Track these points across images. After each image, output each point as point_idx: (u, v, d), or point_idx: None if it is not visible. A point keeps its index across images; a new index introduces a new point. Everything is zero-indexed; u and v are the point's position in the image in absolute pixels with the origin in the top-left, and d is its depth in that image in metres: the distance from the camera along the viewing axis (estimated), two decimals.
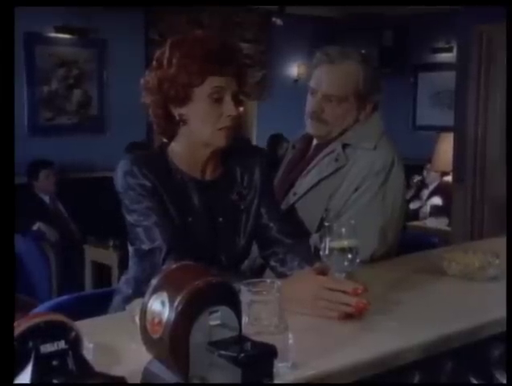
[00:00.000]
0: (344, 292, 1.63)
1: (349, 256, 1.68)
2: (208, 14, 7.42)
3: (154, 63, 1.90)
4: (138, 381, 1.24)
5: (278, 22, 7.63)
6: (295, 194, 2.38)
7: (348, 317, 1.62)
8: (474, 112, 5.19)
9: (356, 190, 2.29)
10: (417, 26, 7.95)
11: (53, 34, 6.62)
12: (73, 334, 1.07)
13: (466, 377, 1.66)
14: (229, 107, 1.86)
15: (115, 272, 5.06)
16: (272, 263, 2.09)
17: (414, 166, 5.79)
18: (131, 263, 2.05)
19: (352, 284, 1.64)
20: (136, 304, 1.47)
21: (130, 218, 1.88)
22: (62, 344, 1.04)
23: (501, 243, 2.22)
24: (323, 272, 1.72)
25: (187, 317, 1.14)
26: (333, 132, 2.40)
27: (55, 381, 1.02)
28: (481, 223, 5.20)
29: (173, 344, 1.14)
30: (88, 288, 5.34)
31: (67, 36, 6.70)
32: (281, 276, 1.98)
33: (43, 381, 1.03)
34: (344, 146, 2.36)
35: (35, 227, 5.43)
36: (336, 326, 1.61)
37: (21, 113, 6.32)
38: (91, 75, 6.90)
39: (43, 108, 6.63)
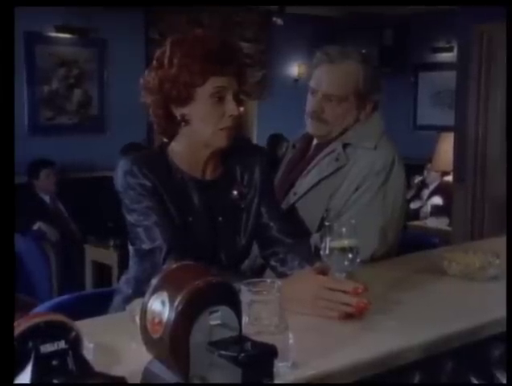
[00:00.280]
0: (344, 292, 1.63)
1: (350, 255, 1.68)
2: (208, 14, 7.42)
3: (154, 62, 1.90)
4: (138, 381, 1.23)
5: (279, 21, 7.63)
6: (295, 193, 2.38)
7: (348, 317, 1.62)
8: (475, 111, 5.19)
9: (356, 189, 2.29)
10: (417, 26, 7.95)
11: (53, 34, 6.63)
12: (73, 334, 1.07)
13: (466, 377, 1.65)
14: (230, 107, 1.86)
15: (115, 271, 5.05)
16: (272, 263, 2.08)
17: (415, 166, 5.79)
18: (131, 263, 2.05)
19: (352, 284, 1.64)
20: (136, 304, 1.47)
21: (131, 218, 1.88)
22: (62, 344, 1.04)
23: (501, 243, 2.22)
24: (323, 271, 1.72)
25: (187, 317, 1.14)
26: (333, 131, 2.39)
27: (55, 381, 1.02)
28: (481, 223, 5.20)
29: (173, 344, 1.14)
30: (89, 288, 5.33)
31: (67, 36, 6.70)
32: (281, 276, 1.98)
33: (43, 381, 1.03)
34: (345, 146, 2.36)
35: (35, 227, 5.43)
36: (336, 325, 1.61)
37: (21, 113, 6.33)
38: (91, 74, 6.91)
39: (44, 108, 6.63)
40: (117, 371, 1.25)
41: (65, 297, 2.11)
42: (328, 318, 1.62)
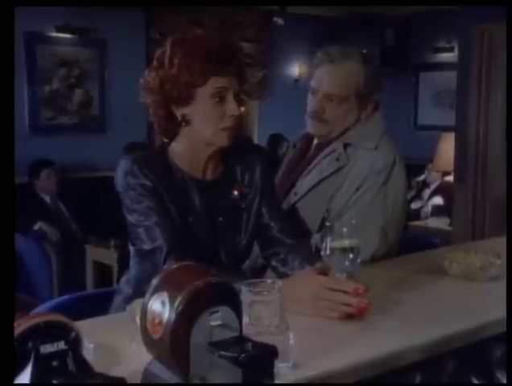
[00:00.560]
0: (345, 292, 1.63)
1: (350, 256, 1.68)
2: (209, 14, 7.41)
3: (154, 62, 1.89)
4: (138, 382, 1.23)
5: (279, 21, 7.62)
6: (295, 193, 2.38)
7: (349, 317, 1.62)
8: (475, 111, 5.18)
9: (357, 189, 2.29)
10: (418, 26, 7.94)
11: (54, 34, 6.62)
12: (73, 334, 1.07)
13: (467, 377, 1.65)
14: (231, 107, 1.86)
15: (116, 272, 5.05)
16: (273, 263, 2.08)
17: (416, 166, 5.79)
18: (132, 263, 2.04)
19: (353, 284, 1.63)
20: (136, 304, 1.47)
21: (131, 218, 1.88)
22: (62, 345, 1.04)
23: (502, 243, 2.22)
24: (324, 272, 1.71)
25: (187, 317, 1.14)
26: (334, 131, 2.39)
27: (54, 382, 1.02)
28: (482, 223, 5.19)
29: (173, 344, 1.14)
30: (90, 288, 5.33)
31: (68, 36, 6.70)
32: (282, 276, 1.98)
33: (42, 382, 1.02)
34: (346, 146, 2.36)
35: (36, 227, 5.43)
36: (337, 326, 1.61)
37: (22, 113, 6.33)
38: (92, 74, 6.90)
39: (44, 108, 6.63)
40: (117, 371, 1.25)
41: (66, 297, 2.10)
42: (328, 319, 1.62)
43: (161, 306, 1.18)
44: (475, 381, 1.66)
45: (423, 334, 1.57)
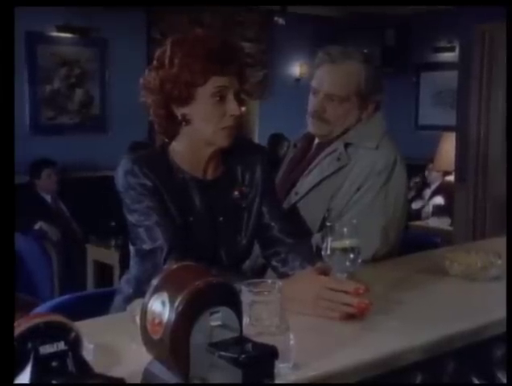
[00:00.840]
0: (345, 292, 1.62)
1: (351, 256, 1.68)
2: (210, 14, 7.41)
3: (154, 62, 1.89)
4: (138, 382, 1.23)
5: (280, 21, 7.62)
6: (296, 193, 2.38)
7: (349, 317, 1.62)
8: (476, 111, 5.17)
9: (358, 189, 2.28)
10: (419, 26, 7.94)
11: (55, 34, 6.62)
12: (73, 334, 1.07)
13: (468, 377, 1.65)
14: (232, 106, 1.85)
15: (117, 271, 5.06)
16: (274, 263, 2.08)
17: (417, 166, 5.78)
18: (132, 263, 2.04)
19: (353, 284, 1.63)
20: (137, 304, 1.47)
21: (131, 218, 1.88)
22: (61, 345, 1.04)
23: (503, 243, 2.22)
24: (324, 272, 1.71)
25: (187, 317, 1.14)
26: (335, 131, 2.39)
27: (54, 382, 1.02)
28: (483, 223, 5.18)
29: (173, 345, 1.14)
30: (90, 287, 5.34)
31: (68, 35, 6.70)
32: (283, 276, 1.97)
33: (42, 382, 1.02)
34: (346, 146, 2.36)
35: (36, 227, 5.42)
36: (337, 326, 1.60)
37: (23, 113, 6.33)
38: (93, 74, 6.90)
39: (45, 108, 6.63)
40: (117, 371, 1.25)
41: (66, 296, 2.10)
42: (329, 319, 1.62)
43: (161, 306, 1.18)
44: (476, 381, 1.66)
45: (423, 334, 1.56)
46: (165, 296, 1.18)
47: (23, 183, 5.45)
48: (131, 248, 2.01)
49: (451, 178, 5.76)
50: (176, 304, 1.14)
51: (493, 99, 5.10)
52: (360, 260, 1.70)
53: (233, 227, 1.99)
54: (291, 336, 1.33)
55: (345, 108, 2.37)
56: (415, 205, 6.04)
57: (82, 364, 1.06)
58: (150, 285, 1.24)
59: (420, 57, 8.16)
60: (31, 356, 1.01)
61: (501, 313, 1.69)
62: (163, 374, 1.18)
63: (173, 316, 1.14)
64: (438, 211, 5.60)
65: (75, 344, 1.06)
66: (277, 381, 1.17)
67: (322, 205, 2.31)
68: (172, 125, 1.91)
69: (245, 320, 1.25)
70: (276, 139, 7.08)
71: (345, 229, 1.69)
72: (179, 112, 1.88)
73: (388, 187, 2.29)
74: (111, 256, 5.22)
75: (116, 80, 6.89)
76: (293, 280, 1.76)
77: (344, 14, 8.11)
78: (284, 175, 2.50)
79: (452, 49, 7.62)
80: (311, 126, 2.43)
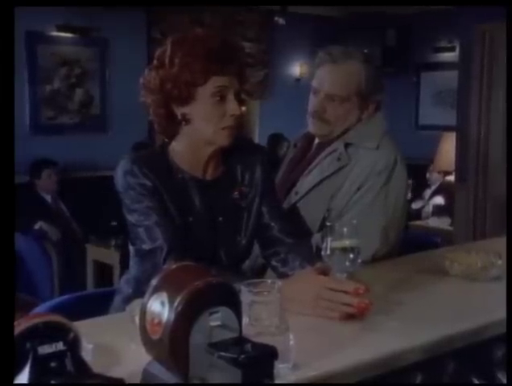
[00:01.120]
0: (345, 292, 1.62)
1: (351, 256, 1.67)
2: (210, 13, 7.40)
3: (155, 62, 1.89)
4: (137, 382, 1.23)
5: (280, 21, 7.62)
6: (296, 193, 2.38)
7: (349, 317, 1.61)
8: (477, 111, 5.17)
9: (358, 189, 2.28)
10: (420, 26, 7.94)
11: (55, 33, 6.62)
12: (72, 335, 1.06)
13: (468, 378, 1.65)
14: (232, 106, 1.85)
15: (117, 271, 5.05)
16: (273, 263, 2.08)
17: (417, 166, 5.77)
18: (132, 263, 2.04)
19: (353, 284, 1.63)
20: (136, 304, 1.46)
21: (131, 218, 1.87)
22: (60, 345, 1.03)
23: (503, 243, 2.21)
24: (324, 272, 1.71)
25: (186, 318, 1.14)
26: (335, 131, 2.39)
27: (53, 382, 1.01)
28: (483, 223, 5.18)
29: (173, 345, 1.13)
30: (90, 287, 5.33)
31: (69, 35, 6.69)
32: (282, 276, 1.97)
33: (41, 383, 1.02)
34: (347, 146, 2.35)
35: (36, 227, 5.42)
36: (337, 326, 1.60)
37: (23, 112, 6.32)
38: (93, 74, 6.90)
39: (45, 108, 6.63)
40: (116, 372, 1.25)
41: (66, 296, 2.10)
42: (329, 319, 1.62)
43: (160, 307, 1.17)
44: (476, 382, 1.65)
45: (423, 334, 1.56)
46: (164, 296, 1.17)
47: (23, 183, 5.45)
48: (131, 248, 2.01)
49: (451, 178, 5.76)
50: (175, 304, 1.14)
51: (494, 99, 5.09)
52: (360, 261, 1.69)
53: (232, 227, 1.99)
54: (291, 336, 1.32)
55: (346, 108, 2.37)
56: (415, 205, 6.03)
57: (81, 364, 1.06)
58: (149, 285, 1.24)
59: (421, 57, 8.16)
60: (30, 356, 1.01)
61: (501, 313, 1.69)
62: (163, 374, 1.18)
63: (172, 316, 1.14)
64: (438, 210, 5.59)
65: (74, 344, 1.06)
66: (276, 381, 1.17)
67: (322, 205, 2.31)
68: (172, 125, 1.91)
69: (245, 320, 1.25)
70: (276, 139, 7.08)
71: (345, 229, 1.69)
72: (179, 111, 1.87)
73: (388, 187, 2.29)
74: (111, 256, 5.21)
75: (116, 80, 6.88)
76: (293, 280, 1.75)
77: (344, 14, 8.11)
78: (284, 175, 2.50)
79: (452, 49, 7.62)
80: (311, 126, 2.42)
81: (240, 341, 1.15)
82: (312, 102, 2.40)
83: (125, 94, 6.38)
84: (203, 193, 1.94)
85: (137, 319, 1.29)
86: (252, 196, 2.03)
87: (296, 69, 8.36)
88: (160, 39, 6.91)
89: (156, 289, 1.21)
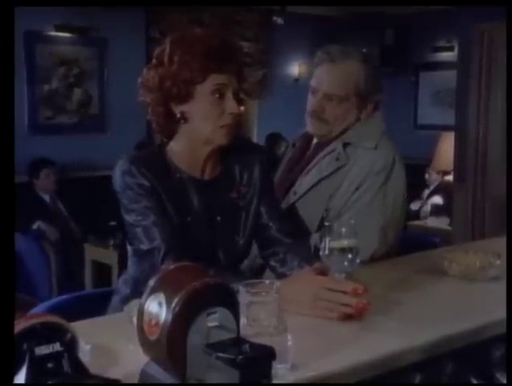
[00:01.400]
0: (344, 292, 1.62)
1: (349, 256, 1.67)
2: (209, 13, 7.40)
3: (153, 60, 1.89)
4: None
5: (279, 20, 7.61)
6: (295, 193, 2.37)
7: (348, 317, 1.61)
8: (475, 111, 5.17)
9: (356, 189, 2.28)
10: (418, 25, 7.93)
11: (53, 33, 6.61)
12: (69, 335, 1.06)
13: (467, 378, 1.64)
14: (230, 104, 1.85)
15: (115, 271, 5.05)
16: (272, 263, 2.07)
17: (416, 166, 5.77)
18: (130, 263, 2.04)
19: (352, 284, 1.63)
20: (134, 305, 1.46)
21: (129, 218, 1.87)
22: (57, 346, 1.03)
23: (502, 243, 2.21)
24: (323, 272, 1.71)
25: (184, 318, 1.13)
26: (334, 131, 2.39)
27: (50, 383, 1.01)
28: (482, 223, 5.18)
29: (170, 346, 1.13)
30: (88, 287, 5.33)
31: (67, 35, 6.68)
32: (281, 276, 1.97)
33: (38, 383, 1.02)
34: (345, 145, 2.35)
35: (34, 226, 5.42)
36: (335, 326, 1.60)
37: (21, 112, 6.31)
38: (91, 73, 6.89)
39: (44, 107, 6.62)
40: (113, 372, 1.24)
41: (64, 297, 2.10)
42: (327, 319, 1.61)
43: (158, 307, 1.17)
44: (474, 382, 1.65)
45: (422, 334, 1.56)
46: (162, 297, 1.17)
47: (22, 183, 5.43)
48: (129, 248, 2.01)
49: (450, 177, 5.76)
50: (173, 305, 1.14)
51: (492, 98, 5.09)
52: (358, 261, 1.69)
53: (230, 227, 1.98)
54: (289, 337, 1.32)
55: (344, 108, 2.36)
56: (414, 206, 6.02)
57: (78, 365, 1.06)
58: (146, 285, 1.23)
59: (419, 57, 8.16)
60: (27, 357, 1.01)
61: (500, 313, 1.69)
62: (160, 375, 1.18)
63: (170, 317, 1.13)
64: (436, 210, 5.59)
65: (71, 345, 1.06)
66: (274, 382, 1.17)
67: (320, 205, 2.30)
68: (170, 124, 1.90)
69: (243, 321, 1.25)
70: (273, 139, 7.08)
71: (343, 229, 1.69)
72: (178, 110, 1.87)
73: (387, 187, 2.29)
74: (109, 256, 5.21)
75: (115, 80, 6.88)
76: (291, 280, 1.75)
77: (343, 13, 8.11)
78: (283, 175, 2.50)
79: (451, 49, 7.62)
80: (309, 126, 2.42)
81: (238, 342, 1.15)
82: (311, 102, 2.40)
83: (124, 94, 6.37)
84: (201, 193, 1.93)
85: (135, 320, 1.28)
86: (250, 196, 2.02)
87: (295, 69, 8.35)
88: (159, 38, 6.90)
89: (153, 290, 1.20)
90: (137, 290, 1.76)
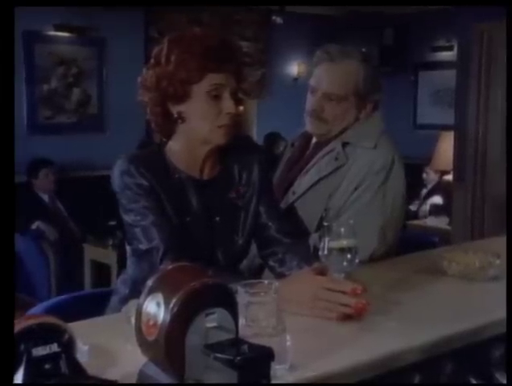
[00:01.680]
0: (343, 292, 1.61)
1: (348, 256, 1.67)
2: (208, 13, 7.40)
3: (151, 60, 1.89)
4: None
5: (278, 20, 7.62)
6: (294, 193, 2.37)
7: (347, 318, 1.61)
8: (475, 110, 5.17)
9: (355, 189, 2.27)
10: (417, 25, 7.93)
11: (52, 33, 6.61)
12: (66, 336, 1.06)
13: (466, 378, 1.64)
14: (227, 104, 1.84)
15: (114, 271, 5.04)
16: (271, 263, 2.07)
17: (415, 165, 5.76)
18: (129, 263, 2.03)
19: (351, 284, 1.62)
20: (132, 305, 1.46)
21: (128, 218, 1.86)
22: (55, 347, 1.03)
23: (502, 242, 2.21)
24: (322, 272, 1.70)
25: (182, 319, 1.13)
26: (333, 130, 2.38)
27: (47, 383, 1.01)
28: (481, 222, 5.18)
29: (168, 346, 1.12)
30: (88, 287, 5.32)
31: (66, 34, 6.68)
32: (280, 276, 1.96)
33: (36, 383, 1.01)
34: (344, 145, 2.35)
35: (33, 226, 5.42)
36: (334, 326, 1.59)
37: (20, 112, 6.31)
38: (90, 73, 6.89)
39: (43, 107, 6.61)
40: (112, 373, 1.24)
41: (63, 297, 2.10)
42: (326, 319, 1.61)
43: (156, 308, 1.16)
44: (474, 382, 1.65)
45: (422, 334, 1.55)
46: (160, 297, 1.16)
47: (21, 183, 5.43)
48: (128, 248, 2.00)
49: (449, 177, 5.76)
50: (171, 305, 1.13)
51: (492, 98, 5.10)
52: (357, 261, 1.69)
53: (229, 226, 1.98)
54: (288, 337, 1.32)
55: (343, 108, 2.36)
56: (413, 207, 6.02)
57: (75, 366, 1.05)
58: (145, 285, 1.23)
59: (418, 56, 8.15)
60: (24, 358, 1.00)
61: (499, 313, 1.68)
62: (158, 375, 1.17)
63: (168, 317, 1.13)
64: (436, 210, 5.59)
65: (68, 346, 1.05)
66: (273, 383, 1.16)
67: (320, 205, 2.30)
68: (168, 123, 1.90)
69: (242, 321, 1.24)
70: (272, 138, 7.07)
71: (343, 229, 1.68)
72: (175, 109, 1.86)
73: (386, 187, 2.28)
74: (108, 256, 5.20)
75: (114, 79, 6.87)
76: (290, 280, 1.75)
77: (342, 13, 8.11)
78: (282, 175, 2.49)
79: (450, 48, 7.61)
80: (309, 125, 2.42)
81: (236, 342, 1.14)
82: (310, 101, 2.39)
83: (123, 93, 6.38)
84: (200, 193, 1.93)
85: (133, 320, 1.28)
86: (249, 196, 2.02)
87: (294, 68, 8.35)
88: (158, 38, 6.90)
89: (152, 290, 1.20)
90: (136, 290, 1.75)
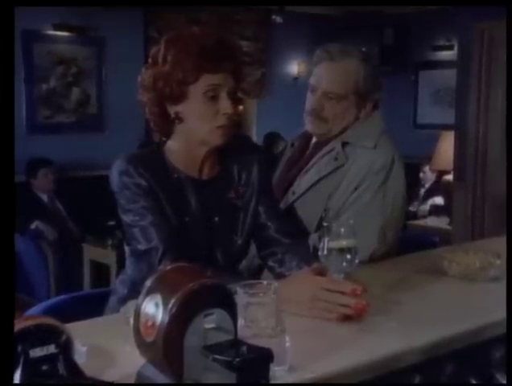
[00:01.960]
0: (342, 293, 1.61)
1: (348, 256, 1.66)
2: (207, 12, 7.39)
3: (149, 60, 1.88)
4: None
5: (278, 19, 7.61)
6: (293, 193, 2.36)
7: (347, 318, 1.60)
8: (475, 110, 5.17)
9: (355, 189, 2.27)
10: (418, 24, 7.93)
11: (51, 32, 6.60)
12: (64, 337, 1.05)
13: (467, 379, 1.63)
14: (224, 105, 1.83)
15: (114, 271, 5.04)
16: (270, 263, 2.06)
17: (415, 165, 5.76)
18: (128, 263, 2.03)
19: (350, 285, 1.61)
20: (130, 305, 1.45)
21: (126, 218, 1.86)
22: (52, 348, 1.02)
23: (502, 242, 2.20)
24: (321, 272, 1.69)
25: (181, 320, 1.12)
26: (333, 130, 2.38)
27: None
28: (482, 222, 5.18)
29: (167, 348, 1.12)
30: (87, 287, 5.32)
31: (65, 34, 6.67)
32: (279, 276, 1.96)
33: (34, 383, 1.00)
34: (344, 145, 2.34)
35: (33, 226, 5.41)
36: (334, 327, 1.59)
37: (19, 112, 6.30)
38: (90, 73, 6.88)
39: (42, 107, 6.61)
40: (110, 374, 1.24)
41: (61, 297, 2.09)
42: (326, 320, 1.60)
43: (154, 308, 1.16)
44: (474, 383, 1.64)
45: (422, 335, 1.55)
46: (158, 297, 1.16)
47: (20, 183, 5.42)
48: (126, 248, 2.00)
49: (449, 177, 5.75)
50: (170, 306, 1.13)
51: (492, 97, 5.09)
52: (357, 261, 1.68)
53: (229, 227, 1.97)
54: (287, 338, 1.31)
55: (343, 107, 2.35)
56: (413, 207, 6.01)
57: (73, 367, 1.05)
58: (143, 286, 1.22)
59: (419, 56, 8.15)
60: (21, 360, 0.99)
61: (499, 314, 1.68)
62: (157, 377, 1.17)
63: (166, 318, 1.12)
64: (436, 209, 5.58)
65: (66, 347, 1.05)
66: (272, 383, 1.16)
67: (319, 205, 2.29)
68: (166, 124, 1.89)
69: (241, 322, 1.24)
70: (271, 138, 7.06)
71: (342, 229, 1.68)
72: (172, 110, 1.86)
73: (386, 187, 2.28)
74: (108, 256, 5.20)
75: (113, 79, 6.87)
76: (289, 281, 1.74)
77: (342, 12, 8.10)
78: (281, 174, 2.49)
79: (450, 47, 7.61)
80: (308, 125, 2.41)
81: (235, 343, 1.14)
82: (310, 100, 2.39)
83: (122, 93, 6.38)
84: (199, 193, 1.92)
85: (131, 321, 1.27)
86: (249, 196, 2.01)
87: (294, 68, 8.35)
88: (157, 37, 6.89)
89: (150, 291, 1.19)
90: (134, 291, 1.74)
